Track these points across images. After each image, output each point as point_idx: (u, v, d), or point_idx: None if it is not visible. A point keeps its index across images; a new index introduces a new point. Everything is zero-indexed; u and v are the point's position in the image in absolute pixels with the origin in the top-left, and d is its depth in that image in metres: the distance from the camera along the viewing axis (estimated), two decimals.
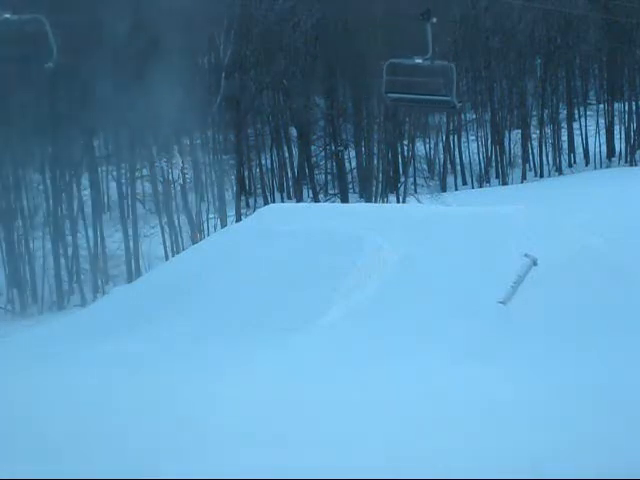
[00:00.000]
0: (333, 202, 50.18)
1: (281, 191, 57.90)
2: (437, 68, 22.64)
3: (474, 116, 63.30)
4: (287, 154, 59.13)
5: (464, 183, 59.74)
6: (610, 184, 44.64)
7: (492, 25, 58.88)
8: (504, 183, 58.97)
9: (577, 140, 62.07)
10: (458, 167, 60.87)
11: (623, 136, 61.34)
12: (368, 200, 48.42)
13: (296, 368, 20.03)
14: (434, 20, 20.88)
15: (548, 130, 61.51)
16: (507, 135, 61.23)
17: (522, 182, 58.79)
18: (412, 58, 21.44)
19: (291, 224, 28.37)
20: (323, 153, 58.22)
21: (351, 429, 14.79)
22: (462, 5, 58.99)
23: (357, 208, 33.40)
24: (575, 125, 62.62)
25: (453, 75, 22.22)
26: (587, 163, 61.85)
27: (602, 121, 61.43)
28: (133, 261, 43.06)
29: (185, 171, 47.45)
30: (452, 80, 22.33)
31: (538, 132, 61.49)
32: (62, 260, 40.41)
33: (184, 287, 26.73)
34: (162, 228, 45.48)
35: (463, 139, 62.19)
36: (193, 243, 39.63)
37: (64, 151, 41.39)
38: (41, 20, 19.37)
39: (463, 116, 63.27)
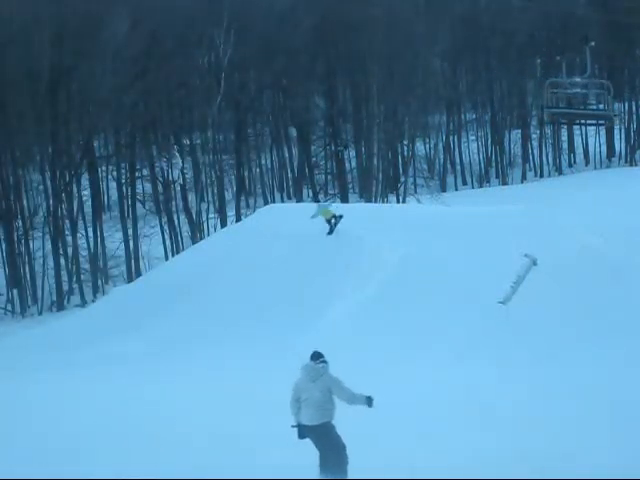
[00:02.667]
0: (333, 202, 50.15)
1: (281, 191, 57.89)
2: (594, 85, 24.18)
3: (474, 116, 63.28)
4: (287, 154, 59.13)
5: (464, 183, 59.71)
6: (610, 184, 44.62)
7: (492, 25, 58.87)
8: (504, 183, 58.93)
9: (577, 140, 62.03)
10: (458, 167, 60.85)
11: (623, 136, 61.35)
12: (368, 200, 48.37)
13: (296, 368, 20.02)
14: (592, 43, 22.38)
15: (548, 130, 61.50)
16: (507, 135, 61.21)
17: (522, 182, 58.76)
18: (571, 76, 23.08)
19: (291, 224, 28.38)
20: (323, 153, 58.22)
21: (351, 428, 14.76)
22: (462, 5, 59.06)
23: (357, 208, 33.42)
24: (575, 125, 62.58)
25: (610, 91, 23.57)
26: (587, 163, 61.82)
27: (602, 121, 61.23)
28: (133, 261, 43.04)
29: (185, 171, 47.45)
30: (609, 95, 23.73)
31: (538, 132, 61.49)
32: (62, 260, 40.38)
33: (184, 287, 26.73)
34: (162, 228, 45.47)
35: (463, 139, 62.16)
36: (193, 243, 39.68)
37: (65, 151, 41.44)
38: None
39: (463, 116, 63.27)
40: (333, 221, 26.13)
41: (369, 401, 10.99)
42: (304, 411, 10.95)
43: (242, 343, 22.30)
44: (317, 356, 11.13)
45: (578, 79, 22.93)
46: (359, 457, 13.00)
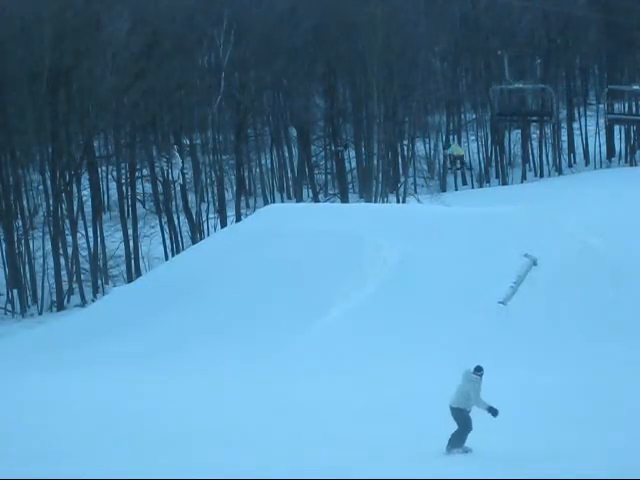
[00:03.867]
0: (333, 202, 50.08)
1: (281, 191, 57.78)
2: None
3: (474, 116, 63.18)
4: (287, 154, 59.03)
5: (464, 183, 59.58)
6: (610, 184, 44.60)
7: (492, 25, 58.77)
8: (504, 183, 58.78)
9: (577, 140, 61.89)
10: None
11: (623, 136, 61.27)
12: (368, 200, 48.26)
13: (296, 367, 20.04)
14: None
15: (548, 130, 61.38)
16: (507, 135, 61.09)
17: (522, 182, 58.63)
18: (630, 84, 24.24)
19: (291, 224, 28.39)
20: (323, 153, 58.14)
21: (349, 428, 14.79)
22: (462, 5, 58.95)
23: (357, 208, 33.43)
24: (575, 125, 62.49)
25: None
26: (587, 163, 61.70)
27: (602, 121, 61.13)
28: (133, 261, 42.99)
29: (185, 171, 47.35)
30: None
31: (538, 132, 61.39)
32: (62, 260, 40.34)
33: (184, 287, 26.75)
34: (162, 228, 45.43)
35: (463, 139, 62.07)
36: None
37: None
38: (548, 89, 24.42)
39: (463, 116, 63.17)
40: (459, 162, 30.96)
41: (492, 411, 13.70)
42: (454, 396, 13.95)
43: (242, 343, 22.32)
44: (477, 369, 14.05)
45: (637, 87, 24.24)
46: (358, 456, 13.00)
